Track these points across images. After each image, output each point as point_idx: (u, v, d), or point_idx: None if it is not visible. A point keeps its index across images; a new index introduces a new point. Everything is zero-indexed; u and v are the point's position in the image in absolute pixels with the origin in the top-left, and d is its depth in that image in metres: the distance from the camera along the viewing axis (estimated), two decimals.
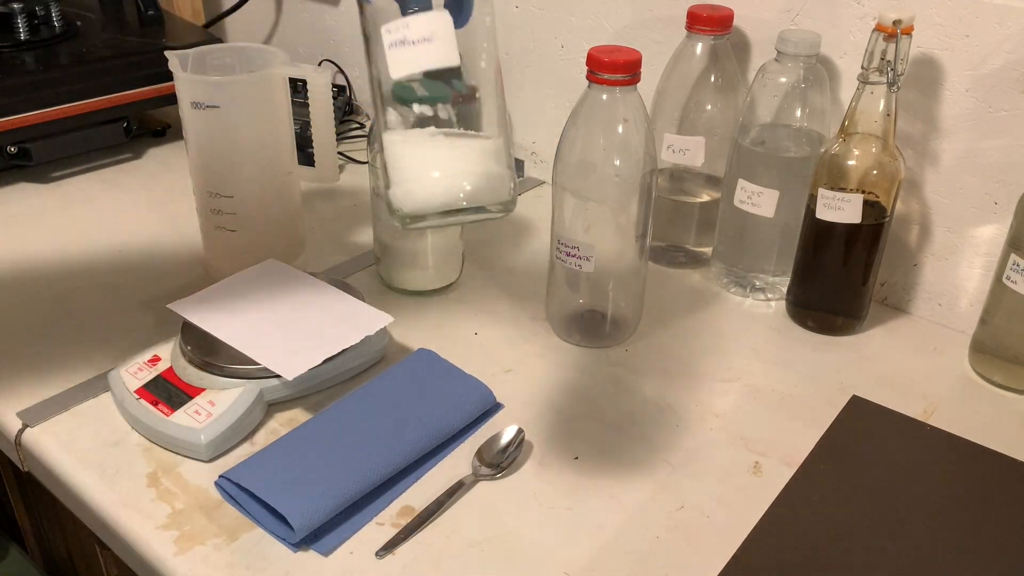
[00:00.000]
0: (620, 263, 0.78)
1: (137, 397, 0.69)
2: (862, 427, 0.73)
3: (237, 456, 0.67)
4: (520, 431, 0.68)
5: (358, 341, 0.72)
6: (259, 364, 0.69)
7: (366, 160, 1.16)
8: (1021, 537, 0.63)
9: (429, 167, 0.54)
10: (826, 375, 0.79)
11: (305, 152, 0.87)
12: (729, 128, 0.87)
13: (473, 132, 0.55)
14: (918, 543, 0.62)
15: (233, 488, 0.63)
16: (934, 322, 0.87)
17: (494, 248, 0.98)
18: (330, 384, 0.74)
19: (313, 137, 0.85)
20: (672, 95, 0.88)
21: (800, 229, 0.82)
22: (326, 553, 0.60)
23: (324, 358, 0.70)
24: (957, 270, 0.84)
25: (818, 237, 0.80)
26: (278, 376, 0.69)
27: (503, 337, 0.82)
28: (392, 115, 0.54)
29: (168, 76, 0.78)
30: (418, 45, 0.50)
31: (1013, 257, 0.73)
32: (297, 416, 0.71)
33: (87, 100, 1.09)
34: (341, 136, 1.22)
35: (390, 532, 0.61)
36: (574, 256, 0.76)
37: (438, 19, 0.51)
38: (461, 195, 0.53)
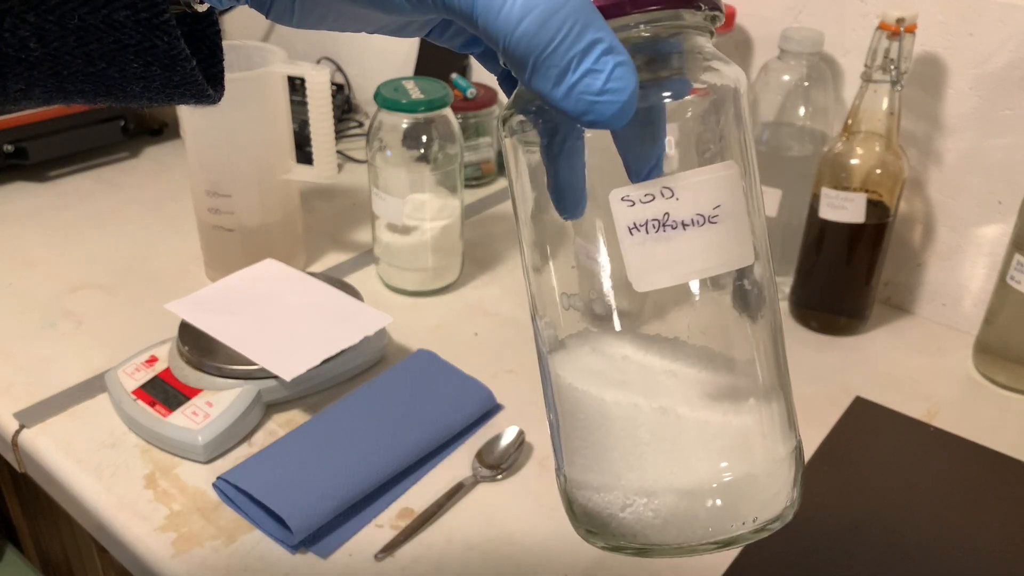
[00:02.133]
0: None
1: (134, 398, 0.69)
2: (865, 428, 0.72)
3: (235, 457, 0.66)
4: (521, 432, 0.68)
5: (357, 342, 0.72)
6: (257, 365, 0.68)
7: (365, 159, 1.16)
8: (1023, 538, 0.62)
9: (682, 455, 0.31)
10: (829, 376, 0.78)
11: (303, 151, 0.87)
12: None
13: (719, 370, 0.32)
14: (921, 544, 0.61)
15: (231, 490, 0.62)
16: (938, 322, 0.86)
17: (494, 248, 0.97)
18: (329, 385, 0.74)
19: (312, 136, 0.84)
20: None
21: (803, 229, 0.82)
22: (325, 555, 0.59)
23: (323, 359, 0.69)
24: (961, 270, 0.84)
25: (821, 237, 0.80)
26: (276, 377, 0.68)
27: (503, 337, 0.82)
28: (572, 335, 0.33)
29: None
30: (690, 231, 0.29)
31: (1017, 257, 0.73)
32: (296, 417, 0.71)
33: None
34: (340, 134, 1.22)
35: (389, 534, 0.61)
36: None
37: (724, 177, 0.29)
38: (717, 508, 0.31)
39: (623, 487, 0.31)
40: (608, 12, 0.28)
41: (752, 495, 0.31)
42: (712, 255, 0.29)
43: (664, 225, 0.29)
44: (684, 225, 0.29)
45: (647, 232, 0.29)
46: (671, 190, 0.28)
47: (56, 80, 0.27)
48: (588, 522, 0.33)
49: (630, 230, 0.29)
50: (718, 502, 0.31)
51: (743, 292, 0.31)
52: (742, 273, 0.31)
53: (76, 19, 0.26)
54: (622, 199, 0.29)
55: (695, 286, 0.30)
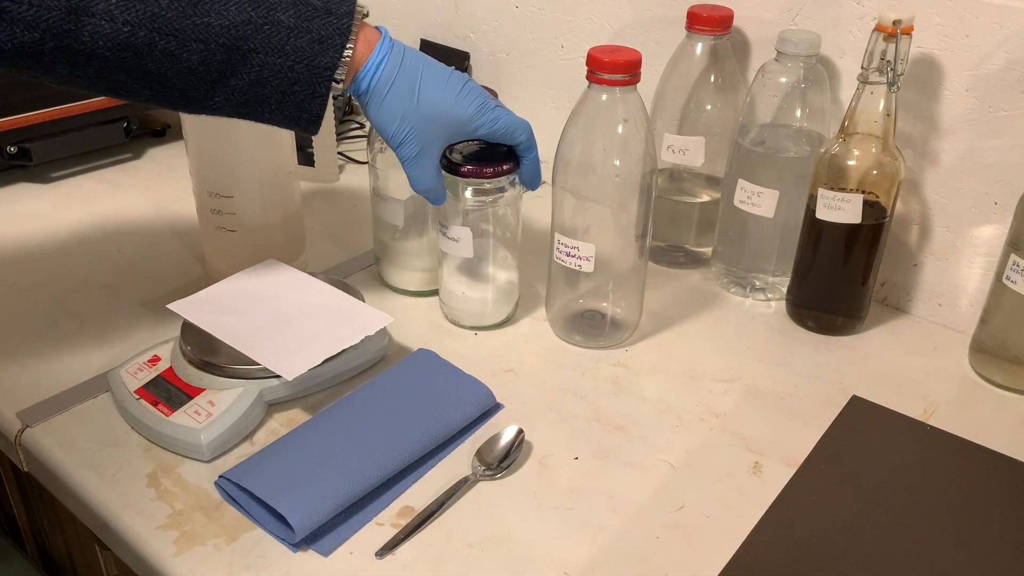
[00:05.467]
0: (620, 263, 0.78)
1: (137, 397, 0.69)
2: (862, 427, 0.73)
3: (237, 456, 0.67)
4: (520, 431, 0.68)
5: (358, 341, 0.72)
6: (259, 364, 0.69)
7: (366, 160, 1.16)
8: (1020, 537, 0.63)
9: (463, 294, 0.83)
10: (826, 375, 0.79)
11: (305, 152, 0.87)
12: (729, 128, 0.87)
13: None
14: (918, 543, 0.62)
15: (233, 488, 0.63)
16: (934, 322, 0.87)
17: None
18: (330, 384, 0.74)
19: (313, 138, 0.84)
20: (672, 95, 0.88)
21: (800, 229, 0.82)
22: (326, 553, 0.60)
23: (324, 358, 0.70)
24: (957, 270, 0.84)
25: (818, 237, 0.80)
26: (278, 376, 0.69)
27: (503, 337, 0.82)
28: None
29: None
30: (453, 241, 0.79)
31: (1013, 257, 0.73)
32: (297, 416, 0.71)
33: (87, 100, 1.09)
34: (341, 136, 1.22)
35: (390, 532, 0.61)
36: (574, 256, 0.76)
37: (464, 232, 0.78)
38: None
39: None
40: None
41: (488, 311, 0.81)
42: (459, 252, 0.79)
43: (447, 238, 0.79)
44: (452, 240, 0.79)
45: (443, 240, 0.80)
46: (449, 233, 0.79)
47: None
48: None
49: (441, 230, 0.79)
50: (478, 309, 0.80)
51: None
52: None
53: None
54: (442, 233, 0.80)
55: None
